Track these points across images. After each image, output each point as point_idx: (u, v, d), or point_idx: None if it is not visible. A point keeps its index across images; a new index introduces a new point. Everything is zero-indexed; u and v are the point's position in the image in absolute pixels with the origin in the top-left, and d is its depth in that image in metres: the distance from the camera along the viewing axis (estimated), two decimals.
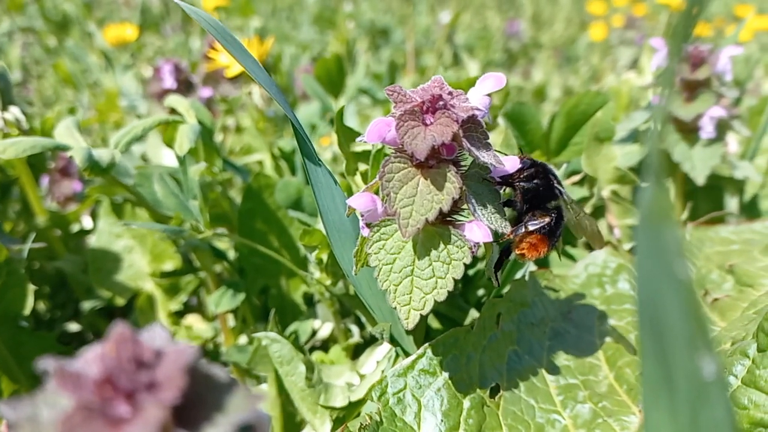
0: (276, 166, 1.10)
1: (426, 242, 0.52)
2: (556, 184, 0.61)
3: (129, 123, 1.47)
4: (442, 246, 0.51)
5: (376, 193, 0.54)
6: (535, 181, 0.60)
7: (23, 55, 2.36)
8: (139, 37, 2.25)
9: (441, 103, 0.50)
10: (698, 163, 0.83)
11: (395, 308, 0.51)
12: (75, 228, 1.07)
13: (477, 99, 0.53)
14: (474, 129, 0.51)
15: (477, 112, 0.51)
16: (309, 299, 0.92)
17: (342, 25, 1.95)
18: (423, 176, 0.50)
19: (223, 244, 0.96)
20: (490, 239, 0.51)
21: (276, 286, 0.91)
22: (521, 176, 0.60)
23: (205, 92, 1.18)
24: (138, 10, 2.97)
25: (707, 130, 0.83)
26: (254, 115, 1.13)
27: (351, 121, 1.28)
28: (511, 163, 0.54)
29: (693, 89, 0.84)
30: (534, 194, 0.60)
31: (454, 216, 0.54)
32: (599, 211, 0.83)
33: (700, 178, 0.82)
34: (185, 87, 1.17)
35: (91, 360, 0.25)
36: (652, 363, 0.24)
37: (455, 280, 0.51)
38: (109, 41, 1.93)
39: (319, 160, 0.57)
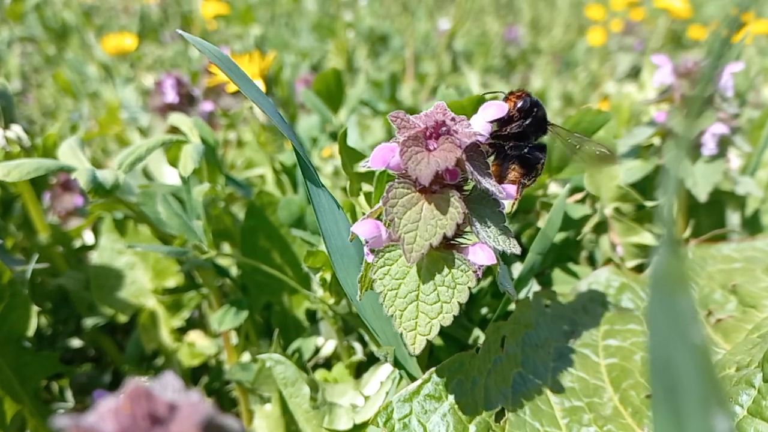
0: (277, 180, 1.10)
1: (430, 267, 0.52)
2: (545, 116, 0.62)
3: (130, 135, 1.48)
4: (446, 270, 0.51)
5: (379, 218, 0.54)
6: (532, 117, 0.60)
7: (22, 63, 2.36)
8: (139, 45, 2.25)
9: (444, 128, 0.51)
10: (700, 180, 0.83)
11: (401, 334, 0.51)
12: (77, 244, 1.07)
13: (479, 125, 0.53)
14: (477, 155, 0.52)
15: (480, 138, 0.51)
16: (312, 315, 0.92)
17: (341, 34, 1.95)
18: (427, 201, 0.51)
19: (226, 261, 0.96)
20: (495, 261, 0.51)
21: (279, 303, 0.91)
22: (520, 118, 0.60)
23: (207, 106, 1.18)
24: (137, 17, 2.97)
25: (709, 146, 0.84)
26: (255, 129, 1.13)
27: (352, 132, 1.28)
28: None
29: None
30: (527, 132, 0.61)
31: (458, 239, 0.55)
32: (602, 229, 0.83)
33: (702, 195, 0.83)
34: (187, 100, 1.17)
35: (105, 415, 0.25)
36: (665, 419, 0.24)
37: (460, 305, 0.51)
38: (109, 51, 1.93)
39: (322, 185, 0.57)
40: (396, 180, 0.50)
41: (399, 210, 0.49)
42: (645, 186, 0.91)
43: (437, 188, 0.50)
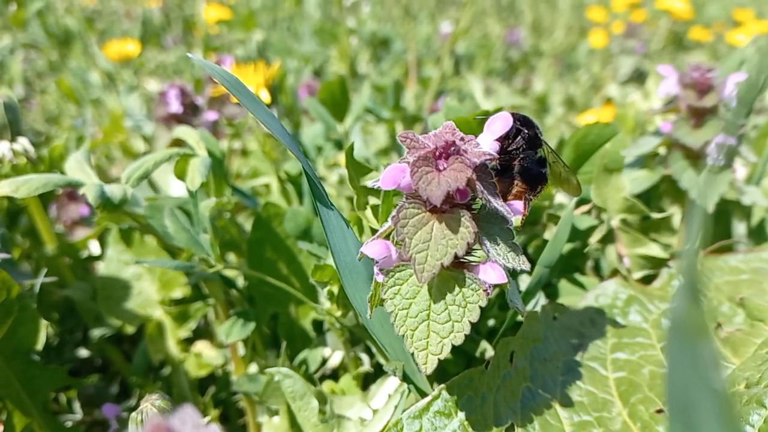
0: (283, 190, 1.10)
1: (441, 286, 0.52)
2: (539, 133, 0.62)
3: (134, 143, 1.48)
4: (457, 289, 0.51)
5: (387, 237, 0.54)
6: (526, 134, 0.61)
7: (25, 69, 2.36)
8: (141, 50, 2.26)
9: (454, 148, 0.51)
10: (707, 190, 0.83)
11: (412, 353, 0.51)
12: (83, 254, 1.08)
13: (487, 144, 0.53)
14: (485, 175, 0.52)
15: (489, 157, 0.51)
16: (319, 326, 0.92)
17: (344, 38, 1.95)
18: (437, 221, 0.51)
19: (233, 272, 0.96)
20: (505, 280, 0.51)
21: (285, 314, 0.91)
22: (515, 140, 0.61)
23: (211, 115, 1.18)
24: (139, 22, 2.97)
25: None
26: (260, 138, 1.13)
27: (357, 140, 1.28)
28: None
29: (700, 116, 0.84)
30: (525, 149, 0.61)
31: (468, 258, 0.55)
32: (608, 239, 0.83)
33: (708, 206, 0.83)
34: (191, 110, 1.17)
35: None
36: None
37: (471, 324, 0.51)
38: (111, 57, 1.94)
39: (331, 203, 0.57)
40: (406, 200, 0.50)
41: (410, 230, 0.49)
42: (650, 195, 0.92)
43: (447, 208, 0.50)
